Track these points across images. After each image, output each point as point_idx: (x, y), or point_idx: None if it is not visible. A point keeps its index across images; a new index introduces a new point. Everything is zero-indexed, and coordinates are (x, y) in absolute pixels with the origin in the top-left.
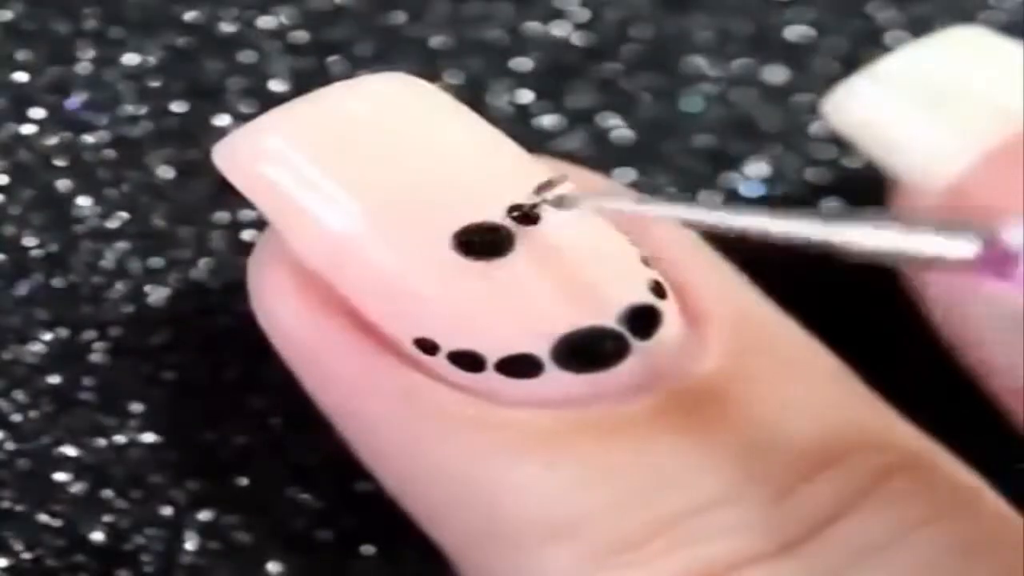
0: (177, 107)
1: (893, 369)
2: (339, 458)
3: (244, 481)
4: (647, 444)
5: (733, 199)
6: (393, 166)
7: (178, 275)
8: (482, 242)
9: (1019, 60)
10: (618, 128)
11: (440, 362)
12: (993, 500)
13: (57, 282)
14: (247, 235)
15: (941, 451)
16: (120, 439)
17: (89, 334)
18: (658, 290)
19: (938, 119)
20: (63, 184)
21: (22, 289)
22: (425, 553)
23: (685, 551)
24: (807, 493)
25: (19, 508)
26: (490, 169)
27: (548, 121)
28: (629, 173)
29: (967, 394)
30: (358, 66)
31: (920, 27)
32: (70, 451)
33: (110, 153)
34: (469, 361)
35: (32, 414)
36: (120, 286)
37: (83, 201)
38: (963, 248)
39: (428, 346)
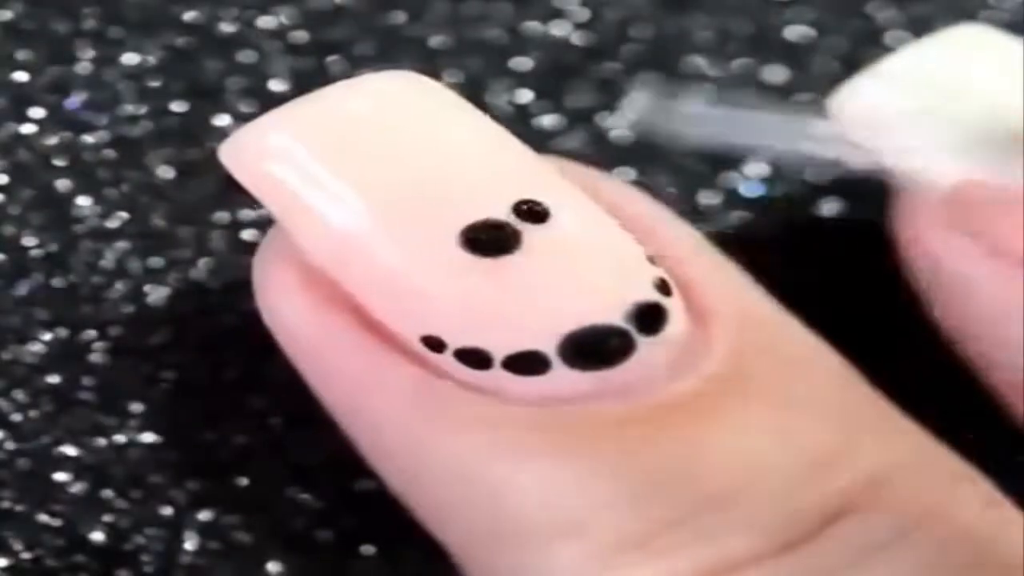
0: (177, 107)
1: (896, 366)
2: (339, 458)
3: (244, 481)
4: (653, 442)
5: (733, 199)
6: (399, 163)
7: (178, 275)
8: (489, 239)
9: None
10: (618, 128)
11: (447, 359)
12: (995, 496)
13: (57, 282)
14: (247, 235)
15: (944, 449)
16: (120, 439)
17: (89, 334)
18: (664, 288)
19: (943, 117)
20: (63, 184)
21: (22, 289)
22: (425, 553)
23: (690, 549)
24: (811, 492)
25: (19, 508)
26: (496, 166)
27: (548, 121)
28: (629, 173)
29: (969, 390)
30: (358, 66)
31: (920, 27)
32: (70, 451)
33: (110, 153)
34: (476, 358)
35: (32, 414)
36: (120, 286)
37: (83, 201)
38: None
39: (435, 343)
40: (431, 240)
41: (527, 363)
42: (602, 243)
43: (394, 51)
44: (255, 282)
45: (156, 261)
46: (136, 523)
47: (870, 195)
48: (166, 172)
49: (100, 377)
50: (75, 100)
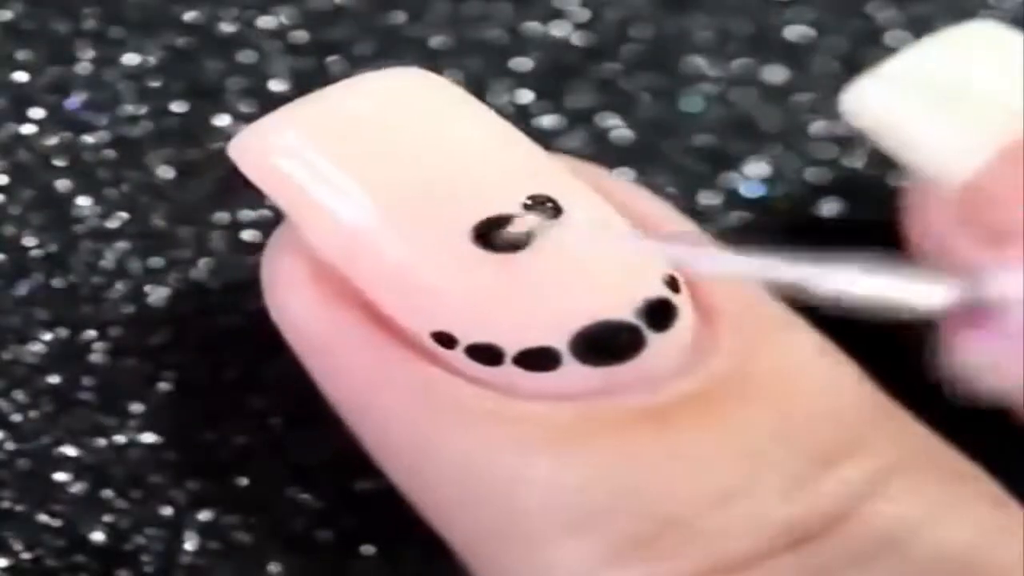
0: (177, 107)
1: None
2: (339, 458)
3: (244, 481)
4: (662, 439)
5: (733, 199)
6: (409, 159)
7: (178, 275)
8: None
9: None
10: (618, 128)
11: (458, 356)
12: (1001, 497)
13: (57, 282)
14: (247, 235)
15: (949, 449)
16: (120, 439)
17: (89, 334)
18: (673, 284)
19: (953, 116)
20: (63, 184)
21: (22, 289)
22: (425, 553)
23: (698, 547)
24: (817, 489)
25: (19, 508)
26: (505, 162)
27: (548, 121)
28: (629, 173)
29: None
30: (358, 66)
31: (920, 27)
32: (70, 451)
33: (110, 153)
34: (488, 354)
35: (32, 414)
36: (120, 286)
37: (83, 201)
38: (939, 296)
39: (446, 340)
40: (442, 235)
41: (538, 359)
42: (613, 240)
43: (394, 51)
44: (263, 279)
45: (156, 261)
46: (136, 523)
47: (870, 195)
48: (166, 172)
49: (100, 377)
50: (75, 100)
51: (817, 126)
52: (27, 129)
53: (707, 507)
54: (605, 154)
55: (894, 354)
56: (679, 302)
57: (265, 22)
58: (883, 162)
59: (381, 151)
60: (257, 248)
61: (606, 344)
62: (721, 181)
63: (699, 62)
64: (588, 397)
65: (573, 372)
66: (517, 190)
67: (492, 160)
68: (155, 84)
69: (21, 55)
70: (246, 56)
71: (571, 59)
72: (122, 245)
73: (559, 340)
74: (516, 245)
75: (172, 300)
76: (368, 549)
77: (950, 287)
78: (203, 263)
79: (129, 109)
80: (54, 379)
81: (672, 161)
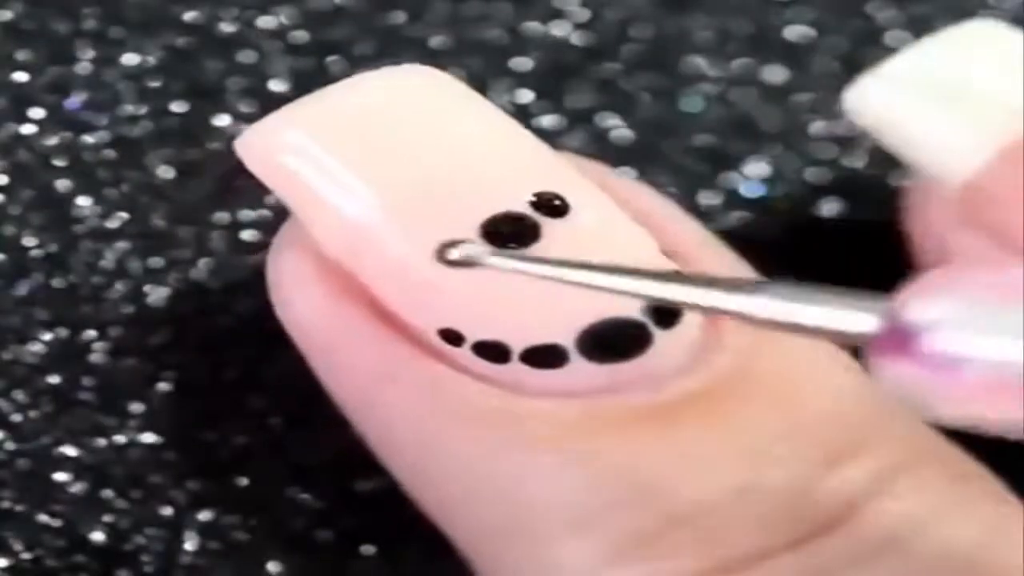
0: (177, 107)
1: None
2: (339, 458)
3: (244, 481)
4: (666, 438)
5: (733, 199)
6: (415, 156)
7: (178, 275)
8: (509, 232)
9: None
10: (618, 128)
11: (464, 353)
12: (1004, 496)
13: (57, 282)
14: (247, 235)
15: (952, 448)
16: (120, 439)
17: (89, 334)
18: None
19: (954, 114)
20: (63, 184)
21: (22, 289)
22: (425, 553)
23: (702, 545)
24: (821, 488)
25: (19, 508)
26: (510, 160)
27: (548, 121)
28: (629, 173)
29: None
30: (358, 66)
31: (920, 27)
32: (70, 451)
33: (110, 153)
34: (494, 352)
35: (32, 414)
36: (120, 286)
37: (83, 201)
38: (863, 323)
39: (453, 337)
40: (449, 232)
41: (545, 356)
42: (619, 237)
43: (394, 51)
44: (269, 276)
45: (156, 261)
46: (136, 523)
47: (870, 195)
48: (166, 172)
49: (100, 377)
50: (75, 100)
51: (817, 126)
52: (27, 129)
53: (710, 505)
54: (605, 154)
55: None
56: None
57: (265, 22)
58: (883, 162)
59: (387, 148)
60: (257, 248)
61: (613, 341)
62: (721, 181)
63: (699, 62)
64: (594, 395)
65: (579, 369)
66: (523, 187)
67: (498, 157)
68: (155, 84)
69: (21, 55)
70: (246, 56)
71: (571, 59)
72: (122, 245)
73: (566, 337)
74: (523, 242)
75: (172, 300)
76: (368, 549)
77: (876, 312)
78: (203, 263)
79: (129, 109)
80: (54, 379)
81: (672, 161)
